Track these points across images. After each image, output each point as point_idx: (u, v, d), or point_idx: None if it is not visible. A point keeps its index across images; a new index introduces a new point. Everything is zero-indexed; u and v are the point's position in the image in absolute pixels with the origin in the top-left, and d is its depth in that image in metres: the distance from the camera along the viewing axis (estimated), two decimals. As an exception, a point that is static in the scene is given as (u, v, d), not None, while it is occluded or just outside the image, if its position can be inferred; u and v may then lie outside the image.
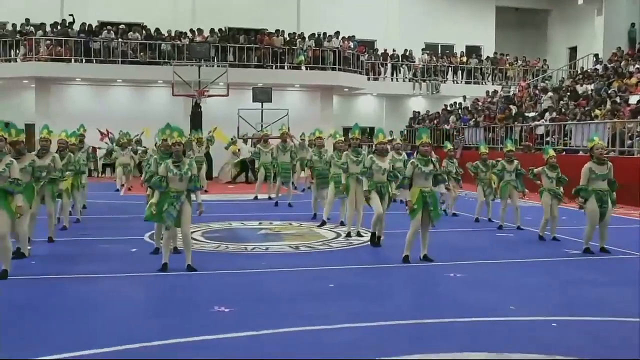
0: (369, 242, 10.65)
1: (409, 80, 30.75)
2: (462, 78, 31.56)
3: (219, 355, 5.38)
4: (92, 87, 26.63)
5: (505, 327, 6.28)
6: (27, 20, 25.86)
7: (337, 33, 27.90)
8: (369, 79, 29.51)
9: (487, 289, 7.86)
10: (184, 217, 8.48)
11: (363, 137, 19.78)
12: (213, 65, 25.42)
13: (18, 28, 25.69)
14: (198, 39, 26.22)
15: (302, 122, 24.15)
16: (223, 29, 27.77)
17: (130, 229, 11.75)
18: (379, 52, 30.93)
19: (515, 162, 12.48)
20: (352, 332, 6.07)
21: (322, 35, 27.62)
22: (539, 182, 11.45)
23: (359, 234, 11.47)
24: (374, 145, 10.72)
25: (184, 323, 6.25)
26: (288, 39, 27.43)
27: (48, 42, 25.06)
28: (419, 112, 30.65)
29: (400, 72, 30.98)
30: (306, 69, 26.96)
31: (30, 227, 10.15)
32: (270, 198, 17.55)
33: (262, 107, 24.91)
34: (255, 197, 17.76)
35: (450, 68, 31.36)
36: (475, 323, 6.39)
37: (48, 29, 25.42)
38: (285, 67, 26.90)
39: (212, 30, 26.84)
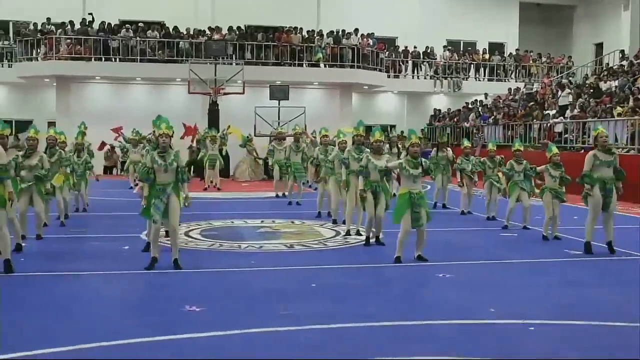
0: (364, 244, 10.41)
1: (430, 78, 30.43)
2: (484, 75, 31.14)
3: (172, 356, 5.28)
4: (112, 85, 26.83)
5: (478, 330, 6.08)
6: (48, 19, 26.15)
7: (356, 30, 27.71)
8: (389, 76, 29.26)
9: (473, 290, 7.63)
10: (172, 210, 8.35)
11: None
12: (231, 63, 25.44)
13: (39, 27, 25.97)
14: (216, 37, 26.23)
15: (321, 119, 23.89)
16: (242, 27, 27.75)
17: (129, 227, 11.71)
18: (400, 50, 30.64)
19: (524, 162, 12.12)
20: (320, 333, 5.91)
21: (340, 33, 27.45)
22: (540, 181, 11.19)
23: (358, 233, 11.28)
24: (370, 143, 10.41)
25: (152, 322, 6.17)
26: (306, 36, 27.31)
27: (68, 41, 25.29)
28: (439, 110, 30.31)
29: (421, 70, 30.66)
30: (324, 66, 26.82)
31: (23, 225, 10.24)
32: (277, 196, 17.48)
33: (279, 105, 24.83)
34: (277, 195, 17.61)
35: (472, 65, 30.94)
36: (449, 326, 6.20)
37: (68, 27, 25.62)
38: (304, 65, 26.80)
39: (230, 28, 26.86)
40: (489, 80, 31.05)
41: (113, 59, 25.55)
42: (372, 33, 28.23)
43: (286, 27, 27.47)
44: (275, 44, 26.51)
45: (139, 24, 26.46)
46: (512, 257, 9.70)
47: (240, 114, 24.59)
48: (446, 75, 30.25)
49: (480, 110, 27.31)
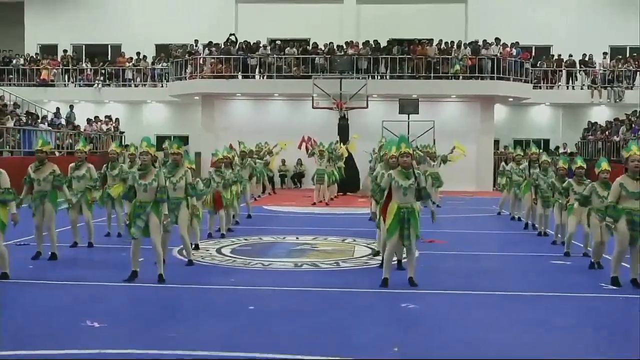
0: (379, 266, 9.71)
1: (588, 88, 28.02)
2: (653, 83, 28.09)
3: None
4: (251, 101, 27.83)
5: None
6: (196, 41, 27.79)
7: (497, 40, 26.33)
8: (536, 87, 27.40)
9: (415, 324, 6.92)
10: (152, 227, 8.47)
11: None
12: (366, 77, 25.19)
13: (188, 49, 27.72)
14: (351, 51, 26.27)
15: (458, 134, 23.20)
16: (384, 41, 27.50)
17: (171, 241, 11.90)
18: (554, 58, 28.60)
19: (587, 181, 10.66)
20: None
21: (481, 43, 26.23)
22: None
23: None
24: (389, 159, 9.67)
25: (44, 335, 6.28)
26: (444, 48, 26.45)
27: (212, 60, 26.69)
28: (595, 123, 27.78)
29: (577, 80, 28.35)
30: (460, 78, 25.75)
31: (74, 232, 11.06)
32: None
33: (408, 118, 24.25)
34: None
35: (638, 73, 28.01)
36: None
37: (213, 48, 27.04)
38: (442, 78, 25.93)
39: (366, 42, 26.78)
40: (660, 88, 27.95)
41: (252, 76, 26.55)
42: (517, 42, 26.63)
43: (428, 40, 26.82)
44: (410, 56, 25.94)
45: (276, 42, 27.26)
46: (526, 288, 8.57)
47: (371, 127, 24.36)
48: (606, 85, 27.68)
49: (633, 122, 24.59)
